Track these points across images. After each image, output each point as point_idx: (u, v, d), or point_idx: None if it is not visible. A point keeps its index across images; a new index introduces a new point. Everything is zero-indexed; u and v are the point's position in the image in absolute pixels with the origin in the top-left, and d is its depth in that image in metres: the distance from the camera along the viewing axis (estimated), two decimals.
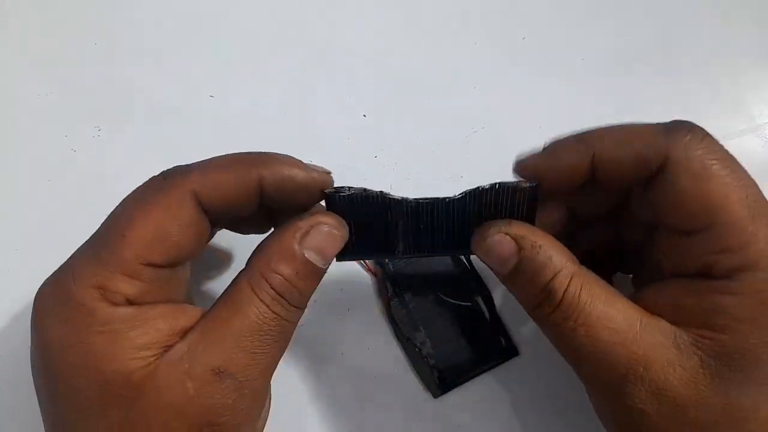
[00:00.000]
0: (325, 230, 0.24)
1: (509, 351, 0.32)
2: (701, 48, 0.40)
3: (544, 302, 0.24)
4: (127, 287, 0.22)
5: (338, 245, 0.25)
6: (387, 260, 0.33)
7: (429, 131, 0.37)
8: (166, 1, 0.40)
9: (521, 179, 0.26)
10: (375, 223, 0.26)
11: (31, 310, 0.22)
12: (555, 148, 0.25)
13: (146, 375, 0.21)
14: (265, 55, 0.39)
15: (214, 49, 0.39)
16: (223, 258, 0.33)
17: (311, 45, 0.39)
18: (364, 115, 0.38)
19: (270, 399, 0.26)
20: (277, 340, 0.23)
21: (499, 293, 0.34)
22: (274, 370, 0.25)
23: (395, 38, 0.40)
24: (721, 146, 0.23)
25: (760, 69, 0.40)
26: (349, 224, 0.25)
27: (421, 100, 0.38)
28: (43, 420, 0.23)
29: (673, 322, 0.23)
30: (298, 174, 0.24)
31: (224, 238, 0.31)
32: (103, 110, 0.37)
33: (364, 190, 0.25)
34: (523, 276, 0.24)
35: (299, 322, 0.25)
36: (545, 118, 0.37)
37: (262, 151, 0.25)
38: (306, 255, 0.24)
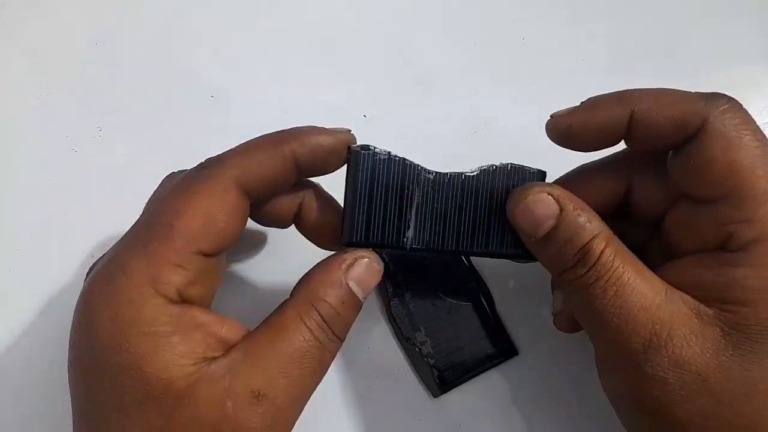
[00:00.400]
0: (366, 262, 0.25)
1: (509, 351, 0.32)
2: (701, 48, 0.40)
3: (578, 264, 0.24)
4: (178, 278, 0.22)
5: (377, 278, 0.26)
6: (388, 259, 0.33)
7: (429, 131, 0.37)
8: (166, 1, 0.40)
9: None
10: (391, 196, 0.26)
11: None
12: (593, 103, 0.25)
13: (187, 386, 0.22)
14: (266, 55, 0.39)
15: (215, 48, 0.39)
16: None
17: (311, 45, 0.39)
18: (364, 115, 0.38)
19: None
20: (316, 370, 0.24)
21: (499, 293, 0.34)
22: (307, 401, 0.25)
23: (395, 38, 0.40)
24: (755, 121, 0.24)
25: (760, 69, 0.40)
26: (363, 196, 0.26)
27: (421, 100, 0.38)
28: (74, 415, 0.24)
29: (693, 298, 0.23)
30: (326, 140, 0.25)
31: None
32: (104, 110, 0.37)
33: (388, 153, 0.26)
34: (560, 237, 0.24)
35: None
36: (545, 118, 0.37)
37: (285, 128, 0.26)
38: (350, 285, 0.25)
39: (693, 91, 0.24)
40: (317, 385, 0.25)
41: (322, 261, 0.26)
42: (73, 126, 0.37)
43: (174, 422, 0.21)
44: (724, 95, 0.24)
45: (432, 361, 0.32)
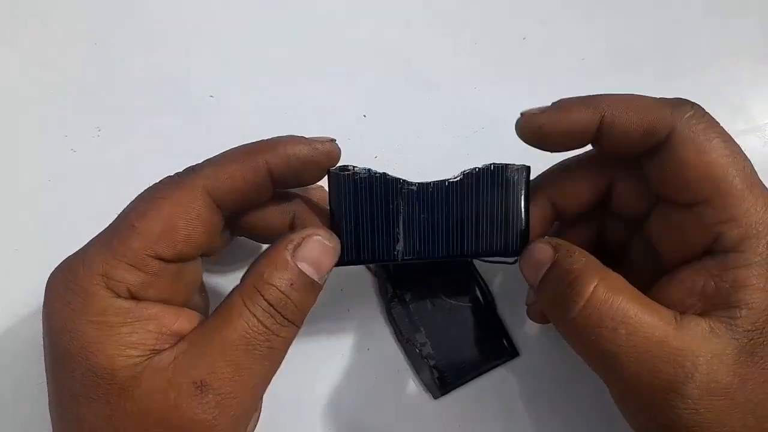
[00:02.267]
0: (317, 239, 0.24)
1: (509, 351, 0.32)
2: (701, 48, 0.40)
3: (571, 303, 0.23)
4: (131, 277, 0.22)
5: (332, 257, 0.25)
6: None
7: (429, 131, 0.37)
8: (166, 1, 0.40)
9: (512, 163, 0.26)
10: (377, 212, 0.26)
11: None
12: (564, 105, 0.25)
13: (132, 376, 0.22)
14: (265, 55, 0.39)
15: (214, 48, 0.39)
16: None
17: (311, 44, 0.39)
18: (364, 115, 0.38)
19: (259, 415, 0.26)
20: (266, 357, 0.23)
21: (499, 293, 0.34)
22: (264, 389, 0.24)
23: (395, 38, 0.40)
24: (719, 124, 0.24)
25: (760, 69, 0.40)
26: (349, 217, 0.26)
27: (421, 100, 0.38)
28: (48, 400, 0.24)
29: (699, 314, 0.23)
30: (302, 149, 0.24)
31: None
32: (103, 110, 0.37)
33: (368, 170, 0.26)
34: (552, 277, 0.24)
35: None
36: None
37: (263, 138, 0.25)
38: (300, 266, 0.24)
39: (664, 97, 0.25)
40: (274, 371, 0.24)
41: (270, 245, 0.25)
42: (72, 125, 0.37)
43: (119, 412, 0.22)
44: (688, 101, 0.24)
45: (432, 362, 0.31)
